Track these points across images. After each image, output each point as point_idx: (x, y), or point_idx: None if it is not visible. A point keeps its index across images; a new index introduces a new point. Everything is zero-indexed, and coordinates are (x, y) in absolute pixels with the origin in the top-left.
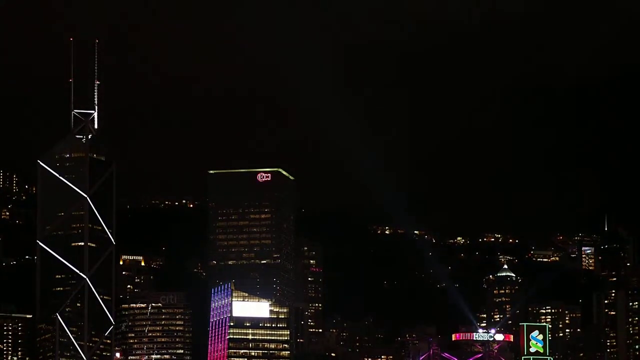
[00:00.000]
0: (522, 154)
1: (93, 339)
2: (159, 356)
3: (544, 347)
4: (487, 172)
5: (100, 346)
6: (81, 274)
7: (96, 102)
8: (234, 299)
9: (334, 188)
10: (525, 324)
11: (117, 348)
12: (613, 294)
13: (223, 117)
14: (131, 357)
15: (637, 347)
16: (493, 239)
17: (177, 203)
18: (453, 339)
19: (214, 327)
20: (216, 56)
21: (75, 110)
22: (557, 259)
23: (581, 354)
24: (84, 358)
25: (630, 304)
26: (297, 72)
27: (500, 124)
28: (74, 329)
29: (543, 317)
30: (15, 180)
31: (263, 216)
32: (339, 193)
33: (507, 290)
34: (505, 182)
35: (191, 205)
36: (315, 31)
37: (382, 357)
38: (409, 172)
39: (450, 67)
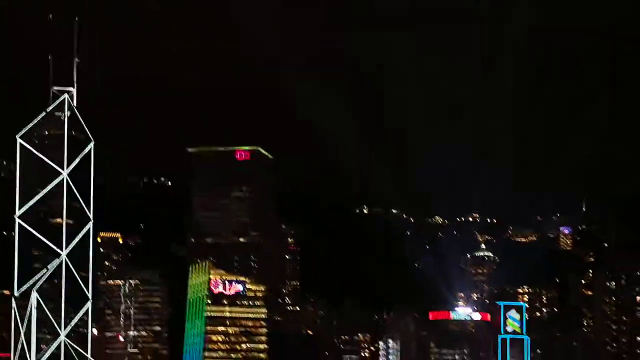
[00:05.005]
0: (504, 134)
1: (70, 315)
2: (136, 333)
3: (521, 326)
4: (467, 152)
5: (77, 322)
6: (59, 250)
7: (75, 79)
8: (211, 277)
9: (314, 167)
10: (502, 303)
11: (94, 325)
12: (590, 274)
13: (202, 96)
14: (108, 334)
15: (614, 327)
16: (472, 219)
17: (155, 181)
18: (430, 318)
19: (191, 305)
20: (196, 34)
21: (54, 87)
22: (535, 239)
23: (558, 334)
24: (61, 334)
25: (607, 284)
26: (276, 52)
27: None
28: (51, 305)
29: (520, 296)
30: None
31: (242, 194)
32: (319, 172)
33: (485, 270)
34: (484, 161)
35: (170, 183)
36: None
37: (359, 335)
38: (388, 152)
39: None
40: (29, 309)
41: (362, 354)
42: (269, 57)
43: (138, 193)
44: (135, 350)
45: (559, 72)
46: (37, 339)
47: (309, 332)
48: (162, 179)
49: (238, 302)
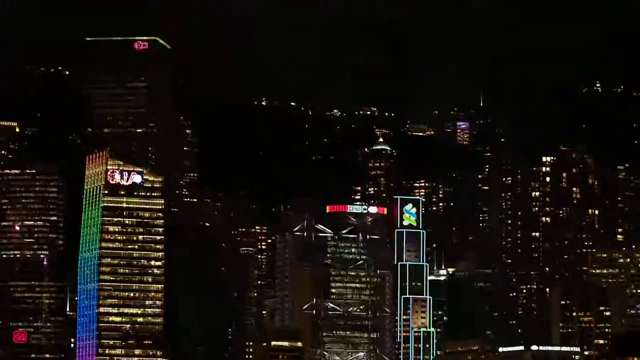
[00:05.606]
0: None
1: None
2: (32, 223)
3: (417, 220)
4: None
5: None
6: None
7: None
8: (109, 167)
9: (216, 57)
10: (399, 197)
11: None
12: (487, 169)
13: None
14: (3, 223)
15: (509, 221)
16: (369, 112)
17: (52, 70)
18: (327, 211)
19: (88, 195)
20: None
21: None
22: (432, 133)
23: (454, 228)
24: None
25: (504, 179)
26: None
27: None
28: None
29: (417, 190)
30: None
31: (139, 84)
32: (219, 63)
33: (382, 164)
34: (386, 55)
35: (67, 72)
36: None
37: (257, 228)
38: (289, 42)
39: None
40: None
41: (260, 246)
42: None
43: (35, 82)
44: (32, 240)
45: None
46: None
47: (206, 224)
48: (59, 67)
49: (135, 193)
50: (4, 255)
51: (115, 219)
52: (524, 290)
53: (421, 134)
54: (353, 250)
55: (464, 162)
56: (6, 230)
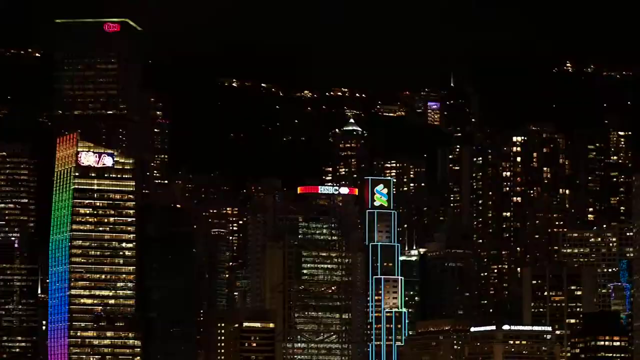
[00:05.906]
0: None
1: None
2: (2, 205)
3: (389, 201)
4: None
5: None
6: None
7: None
8: (79, 149)
9: (183, 39)
10: (370, 178)
11: None
12: (457, 150)
13: None
14: None
15: (480, 201)
16: (340, 93)
17: (22, 52)
18: (298, 192)
19: (58, 177)
20: None
21: None
22: (403, 113)
23: (425, 208)
24: None
25: (474, 159)
26: None
27: None
28: None
29: (388, 171)
30: None
31: (110, 66)
32: (189, 44)
33: (353, 144)
34: (355, 36)
35: (37, 55)
36: None
37: (228, 209)
38: (260, 22)
39: None
40: None
41: (231, 227)
42: None
43: (4, 64)
44: (2, 222)
45: None
46: None
47: (177, 205)
48: (29, 49)
49: (106, 175)
50: None
51: (86, 201)
52: (495, 270)
53: (392, 114)
54: (324, 231)
55: (435, 142)
56: None
